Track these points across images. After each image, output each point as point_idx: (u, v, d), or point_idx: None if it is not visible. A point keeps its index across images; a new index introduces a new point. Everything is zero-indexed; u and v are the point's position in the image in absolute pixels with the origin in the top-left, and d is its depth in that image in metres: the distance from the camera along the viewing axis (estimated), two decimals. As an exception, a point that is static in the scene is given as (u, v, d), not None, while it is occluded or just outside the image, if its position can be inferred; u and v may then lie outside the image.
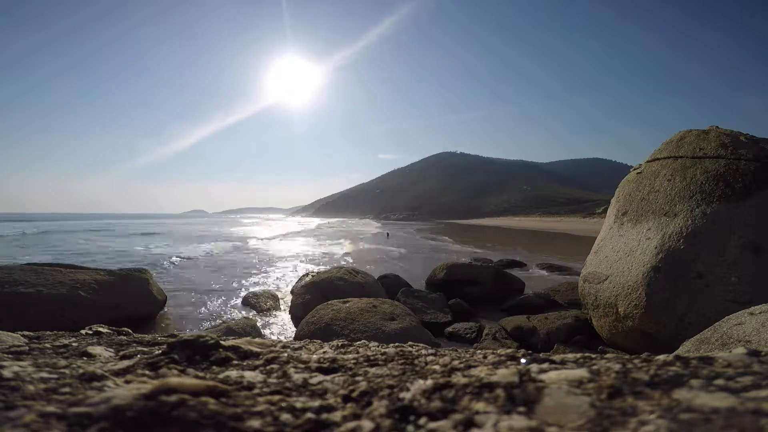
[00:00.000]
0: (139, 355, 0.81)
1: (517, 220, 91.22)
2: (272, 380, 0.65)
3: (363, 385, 0.61)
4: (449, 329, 6.28)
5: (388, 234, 37.22)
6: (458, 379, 0.61)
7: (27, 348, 0.90)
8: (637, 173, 5.53)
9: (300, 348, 0.93)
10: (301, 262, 15.24)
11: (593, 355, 0.71)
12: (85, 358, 0.83)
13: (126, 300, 6.58)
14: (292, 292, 8.39)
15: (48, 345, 0.95)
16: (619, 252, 4.91)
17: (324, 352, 0.87)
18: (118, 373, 0.68)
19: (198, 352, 0.78)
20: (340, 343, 0.99)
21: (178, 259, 15.38)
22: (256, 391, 0.61)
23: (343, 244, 24.33)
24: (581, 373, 0.58)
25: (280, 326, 6.80)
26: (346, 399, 0.58)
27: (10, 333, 1.07)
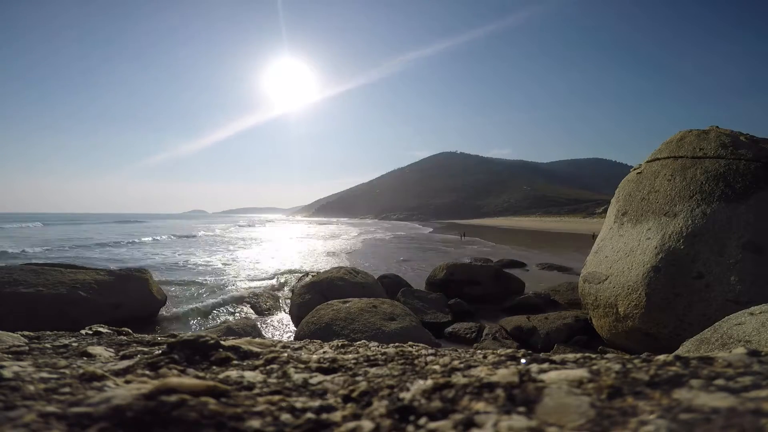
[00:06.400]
0: (139, 355, 0.81)
1: (517, 220, 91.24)
2: (272, 380, 0.65)
3: (363, 385, 0.61)
4: (449, 329, 6.29)
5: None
6: (458, 379, 0.61)
7: (27, 348, 0.90)
8: (637, 173, 5.52)
9: (300, 348, 0.93)
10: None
11: (593, 355, 0.71)
12: (85, 358, 0.83)
13: (126, 300, 6.58)
14: (292, 292, 8.39)
15: (48, 345, 0.95)
16: (619, 252, 4.90)
17: (324, 352, 0.87)
18: (119, 373, 0.68)
19: (198, 352, 0.78)
20: (340, 343, 0.99)
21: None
22: (256, 391, 0.61)
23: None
24: (581, 373, 0.58)
25: (280, 326, 6.80)
26: (346, 399, 0.58)
27: (10, 333, 1.07)
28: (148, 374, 0.67)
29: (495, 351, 0.79)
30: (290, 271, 12.89)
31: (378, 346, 0.94)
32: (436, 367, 0.69)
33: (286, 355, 0.80)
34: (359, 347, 0.94)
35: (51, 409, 0.50)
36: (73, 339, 1.06)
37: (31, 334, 1.13)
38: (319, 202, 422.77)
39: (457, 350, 0.86)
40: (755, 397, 0.46)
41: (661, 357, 0.63)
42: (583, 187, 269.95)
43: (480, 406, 0.51)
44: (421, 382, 0.61)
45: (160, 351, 0.79)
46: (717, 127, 5.42)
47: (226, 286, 10.07)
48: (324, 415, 0.52)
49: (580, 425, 0.44)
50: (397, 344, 0.93)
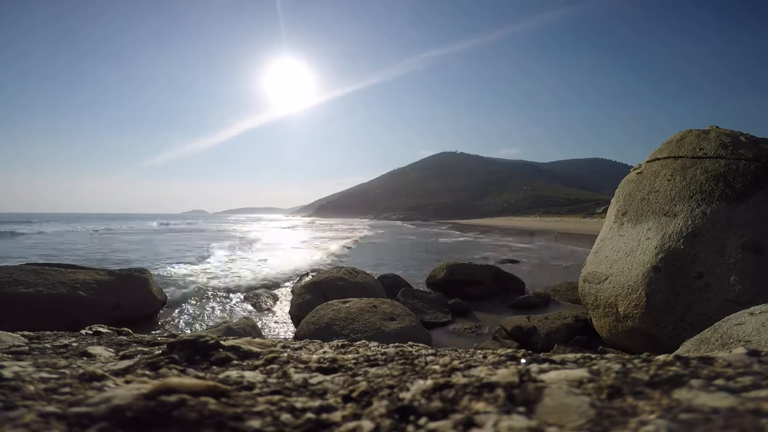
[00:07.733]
0: (139, 355, 0.81)
1: (517, 220, 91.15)
2: (272, 380, 0.65)
3: (363, 385, 0.61)
4: (449, 329, 6.29)
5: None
6: (458, 379, 0.61)
7: (27, 348, 0.90)
8: (637, 173, 5.52)
9: (300, 348, 0.93)
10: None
11: (593, 355, 0.71)
12: (85, 358, 0.83)
13: (126, 300, 6.58)
14: (292, 291, 8.40)
15: (48, 345, 0.95)
16: (619, 252, 4.90)
17: (324, 352, 0.87)
18: (118, 373, 0.68)
19: (198, 352, 0.78)
20: (340, 343, 0.99)
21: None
22: (256, 391, 0.61)
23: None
24: (581, 373, 0.58)
25: (280, 326, 6.80)
26: (346, 399, 0.58)
27: (10, 333, 1.06)
28: (148, 374, 0.67)
29: (495, 351, 0.79)
30: (290, 271, 12.89)
31: (378, 346, 0.94)
32: (436, 367, 0.69)
33: (286, 355, 0.80)
34: (359, 347, 0.94)
35: (51, 409, 0.50)
36: (73, 339, 1.06)
37: (31, 334, 1.13)
38: (319, 202, 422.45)
39: (457, 350, 0.86)
40: (755, 397, 0.46)
41: (661, 357, 0.63)
42: (583, 187, 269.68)
43: (480, 406, 0.51)
44: (421, 382, 0.61)
45: (160, 351, 0.79)
46: (717, 127, 5.41)
47: (227, 286, 10.07)
48: (324, 415, 0.52)
49: (580, 425, 0.44)
50: (397, 344, 0.93)
